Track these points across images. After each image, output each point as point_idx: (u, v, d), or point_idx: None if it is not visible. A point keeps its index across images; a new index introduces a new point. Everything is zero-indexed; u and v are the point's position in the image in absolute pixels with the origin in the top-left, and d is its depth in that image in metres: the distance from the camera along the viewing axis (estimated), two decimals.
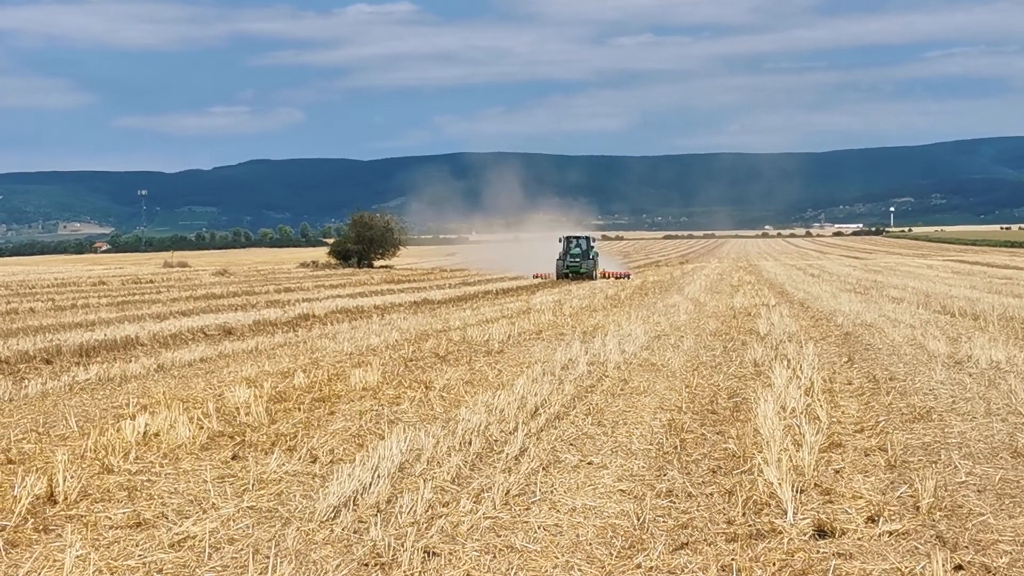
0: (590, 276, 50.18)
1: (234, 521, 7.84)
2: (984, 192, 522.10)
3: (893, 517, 7.74)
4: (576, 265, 50.69)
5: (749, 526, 7.57)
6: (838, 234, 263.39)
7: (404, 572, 6.76)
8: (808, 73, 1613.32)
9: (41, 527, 7.75)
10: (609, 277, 51.81)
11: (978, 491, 8.46)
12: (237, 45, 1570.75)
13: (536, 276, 52.09)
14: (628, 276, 53.02)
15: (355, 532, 7.54)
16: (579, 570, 6.86)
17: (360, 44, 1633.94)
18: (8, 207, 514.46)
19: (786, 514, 7.75)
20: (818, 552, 7.08)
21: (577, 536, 7.49)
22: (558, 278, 50.21)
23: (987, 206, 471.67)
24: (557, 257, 51.55)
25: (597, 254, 53.11)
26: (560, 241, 52.29)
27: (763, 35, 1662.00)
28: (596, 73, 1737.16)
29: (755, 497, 8.21)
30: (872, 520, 7.69)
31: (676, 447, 10.24)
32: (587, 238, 53.23)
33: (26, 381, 15.09)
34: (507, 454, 9.73)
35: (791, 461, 9.11)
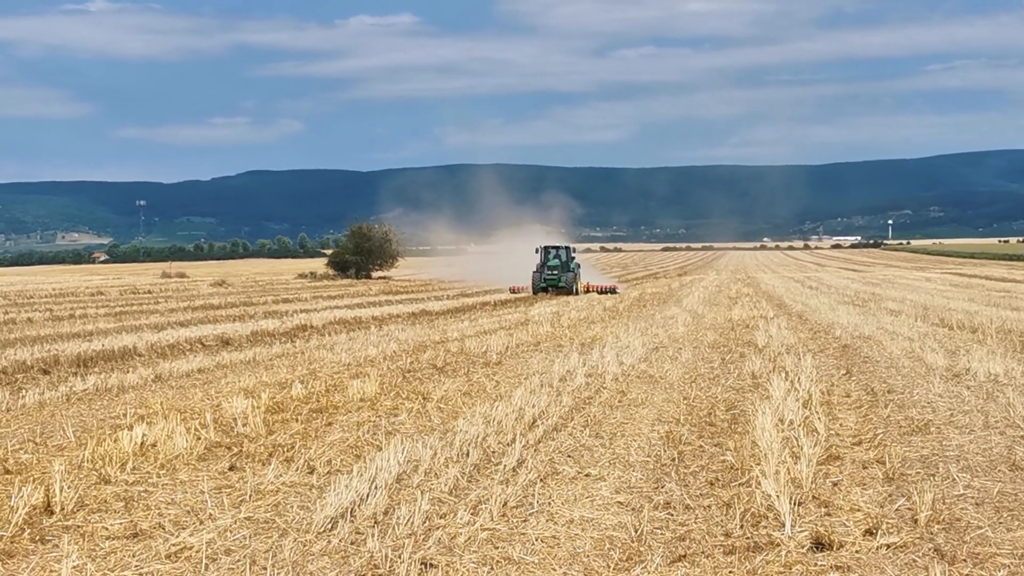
0: (569, 291, 45.78)
1: (231, 532, 7.82)
2: (984, 205, 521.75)
3: (891, 530, 7.73)
4: (554, 278, 46.20)
5: (747, 539, 7.56)
6: (836, 247, 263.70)
7: None
8: (809, 86, 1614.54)
9: (38, 537, 7.73)
10: (593, 291, 47.82)
11: (976, 504, 8.45)
12: (238, 56, 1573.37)
13: (513, 290, 47.37)
14: (614, 290, 48.87)
15: (352, 543, 7.53)
16: None
17: (362, 55, 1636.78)
18: (6, 217, 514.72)
19: (784, 527, 7.74)
20: (816, 565, 7.07)
21: (575, 548, 7.47)
22: (535, 292, 45.88)
23: (986, 219, 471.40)
24: (534, 270, 47.03)
25: (579, 266, 48.68)
26: (537, 252, 47.43)
27: (764, 47, 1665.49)
28: (597, 85, 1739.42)
29: (753, 509, 8.20)
30: (870, 533, 7.68)
31: (674, 459, 10.23)
32: (567, 248, 48.25)
33: (23, 391, 15.07)
34: (505, 466, 9.72)
35: (789, 473, 9.10)
